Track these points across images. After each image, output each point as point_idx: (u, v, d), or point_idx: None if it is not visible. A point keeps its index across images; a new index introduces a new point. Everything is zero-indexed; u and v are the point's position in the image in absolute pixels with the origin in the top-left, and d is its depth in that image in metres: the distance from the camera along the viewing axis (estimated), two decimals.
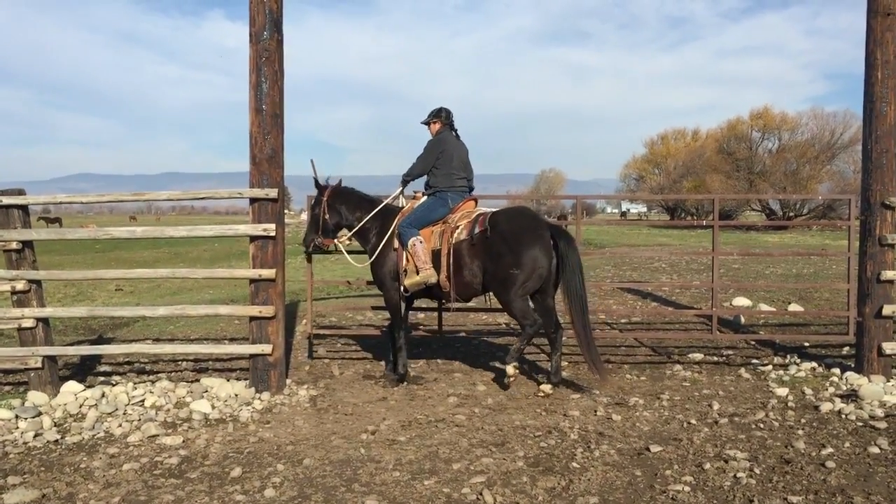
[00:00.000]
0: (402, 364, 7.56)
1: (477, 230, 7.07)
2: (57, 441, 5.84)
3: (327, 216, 7.73)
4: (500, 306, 7.43)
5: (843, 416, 6.13)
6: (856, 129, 52.50)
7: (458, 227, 7.23)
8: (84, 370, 8.18)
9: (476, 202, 7.73)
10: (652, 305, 12.35)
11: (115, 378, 7.79)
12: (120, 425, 6.17)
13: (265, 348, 7.06)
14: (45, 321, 7.24)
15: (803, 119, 58.80)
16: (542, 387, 7.01)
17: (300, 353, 8.89)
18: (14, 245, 6.99)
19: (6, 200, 7.00)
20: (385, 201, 7.82)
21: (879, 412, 6.18)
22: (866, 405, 6.36)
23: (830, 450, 5.29)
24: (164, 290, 15.75)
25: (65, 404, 6.70)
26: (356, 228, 7.71)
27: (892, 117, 7.35)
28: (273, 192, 7.02)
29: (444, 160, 7.47)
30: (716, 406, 6.50)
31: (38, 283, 7.21)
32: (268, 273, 7.02)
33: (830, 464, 4.98)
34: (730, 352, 8.84)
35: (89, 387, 7.16)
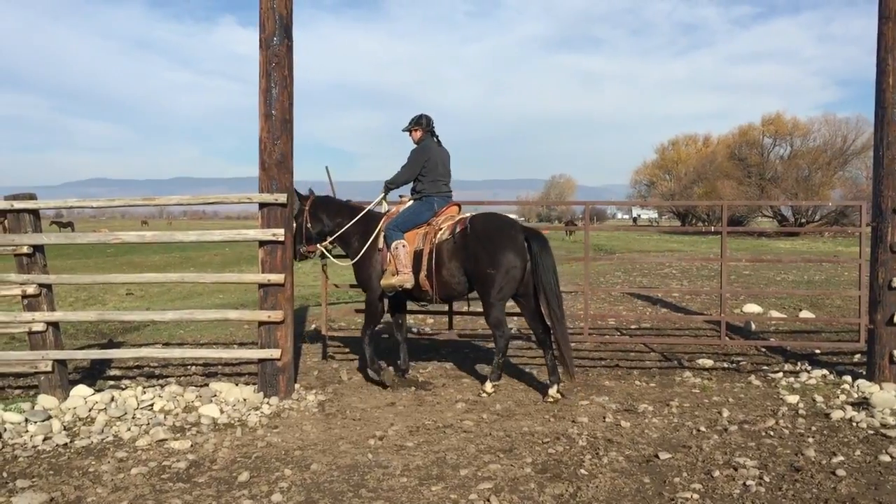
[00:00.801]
0: (370, 359, 7.76)
1: (458, 230, 7.35)
2: (66, 445, 5.86)
3: (309, 225, 7.91)
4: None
5: (854, 424, 6.08)
6: (868, 135, 52.24)
7: (441, 229, 7.48)
8: (94, 374, 8.21)
9: (459, 207, 7.95)
10: (662, 311, 12.31)
11: (125, 382, 7.82)
12: (129, 429, 6.19)
13: (274, 353, 7.07)
14: (55, 325, 7.27)
15: (815, 125, 58.63)
16: (550, 391, 7.07)
17: (308, 358, 8.90)
18: (25, 249, 7.03)
19: (18, 205, 7.04)
20: (368, 207, 7.98)
21: (891, 420, 6.13)
22: (878, 413, 6.30)
23: (841, 458, 5.25)
24: (174, 295, 15.81)
25: (74, 408, 6.72)
26: (337, 234, 7.87)
27: None
28: (282, 197, 7.04)
29: (429, 167, 7.65)
30: (725, 413, 6.46)
31: (48, 287, 7.25)
32: (277, 278, 7.04)
33: (841, 472, 4.94)
34: (740, 358, 8.78)
35: (99, 391, 7.19)
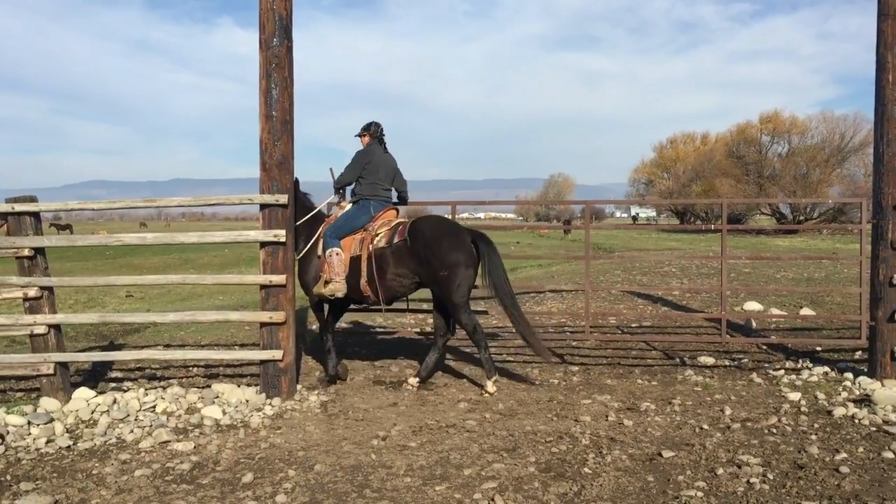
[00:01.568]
0: (331, 366, 7.84)
1: (396, 239, 7.45)
2: (69, 447, 5.85)
3: None
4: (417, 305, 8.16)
5: (857, 421, 6.09)
6: (866, 132, 52.30)
7: (377, 235, 7.57)
8: (95, 376, 8.21)
9: (398, 212, 8.07)
10: (662, 309, 12.32)
11: (127, 384, 7.82)
12: (131, 431, 6.19)
13: (276, 354, 7.07)
14: (56, 328, 7.27)
15: (813, 122, 58.69)
16: (487, 386, 7.30)
17: (310, 359, 8.90)
18: (26, 252, 7.02)
19: (18, 207, 7.04)
20: (318, 207, 8.07)
21: (893, 417, 6.13)
22: (880, 410, 6.31)
23: (844, 455, 5.25)
24: (174, 296, 15.79)
25: (77, 410, 6.71)
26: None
27: None
28: (283, 198, 7.04)
29: (369, 170, 7.74)
30: (728, 411, 6.47)
31: (50, 289, 7.24)
32: (278, 279, 7.03)
33: (844, 469, 4.94)
34: (741, 356, 8.79)
35: (101, 393, 7.18)
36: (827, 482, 4.76)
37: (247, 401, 6.98)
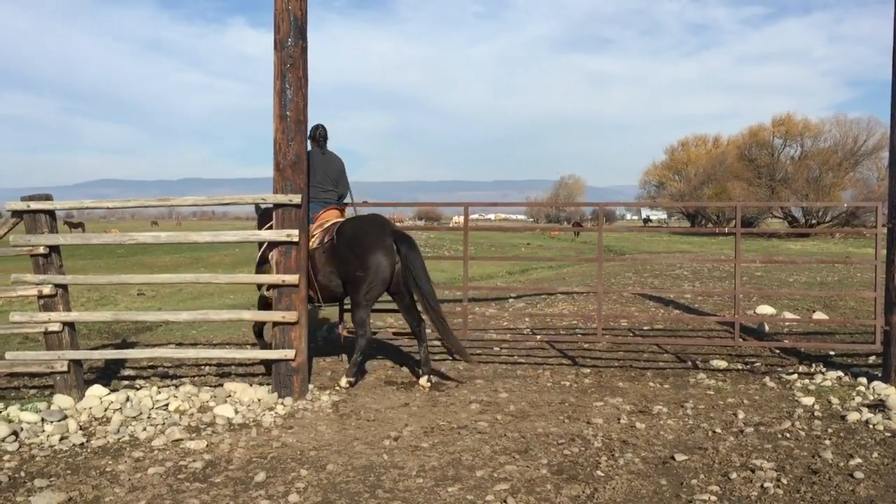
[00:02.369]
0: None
1: (326, 239, 7.67)
2: (82, 444, 5.88)
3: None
4: (395, 307, 8.18)
5: (871, 426, 6.05)
6: (879, 135, 51.96)
7: (313, 236, 7.74)
8: (108, 374, 8.24)
9: (341, 212, 8.26)
10: (674, 312, 12.27)
11: (139, 382, 7.85)
12: (144, 429, 6.21)
13: (288, 353, 7.09)
14: (71, 325, 7.30)
15: (826, 126, 58.40)
16: (421, 381, 7.59)
17: (322, 359, 8.91)
18: (41, 250, 7.06)
19: (34, 206, 7.08)
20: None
21: None
22: (894, 415, 6.27)
23: (858, 460, 5.22)
24: (185, 295, 15.84)
25: (90, 408, 6.74)
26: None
27: None
28: (296, 198, 7.06)
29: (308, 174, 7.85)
30: (741, 415, 6.44)
31: (64, 287, 7.28)
32: (291, 279, 7.05)
33: (859, 474, 4.92)
34: (754, 360, 8.75)
35: (114, 391, 7.21)
36: (841, 487, 4.73)
37: (259, 400, 6.99)
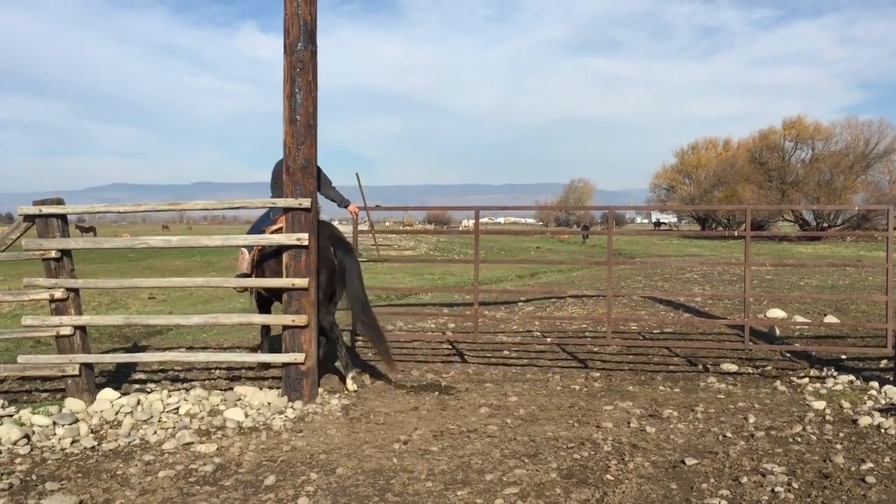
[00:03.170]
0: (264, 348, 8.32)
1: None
2: (93, 448, 5.91)
3: None
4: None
5: (883, 431, 6.01)
6: (891, 138, 51.67)
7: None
8: (119, 377, 8.27)
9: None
10: (684, 316, 12.24)
11: (150, 386, 7.88)
12: (155, 432, 6.24)
13: (298, 357, 7.10)
14: (82, 329, 7.34)
15: (837, 128, 58.09)
16: (348, 384, 7.63)
17: (331, 362, 8.91)
18: (53, 254, 7.10)
19: (46, 210, 7.12)
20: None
21: None
22: None
23: (870, 465, 5.19)
24: (196, 299, 15.90)
25: (101, 411, 6.78)
26: None
27: None
28: (306, 202, 7.07)
29: (275, 178, 7.93)
30: (751, 419, 6.41)
31: (76, 291, 7.32)
32: (301, 282, 7.07)
33: (870, 479, 4.89)
34: (765, 363, 8.72)
35: (125, 394, 7.24)
36: (853, 492, 4.71)
37: (269, 403, 7.01)
